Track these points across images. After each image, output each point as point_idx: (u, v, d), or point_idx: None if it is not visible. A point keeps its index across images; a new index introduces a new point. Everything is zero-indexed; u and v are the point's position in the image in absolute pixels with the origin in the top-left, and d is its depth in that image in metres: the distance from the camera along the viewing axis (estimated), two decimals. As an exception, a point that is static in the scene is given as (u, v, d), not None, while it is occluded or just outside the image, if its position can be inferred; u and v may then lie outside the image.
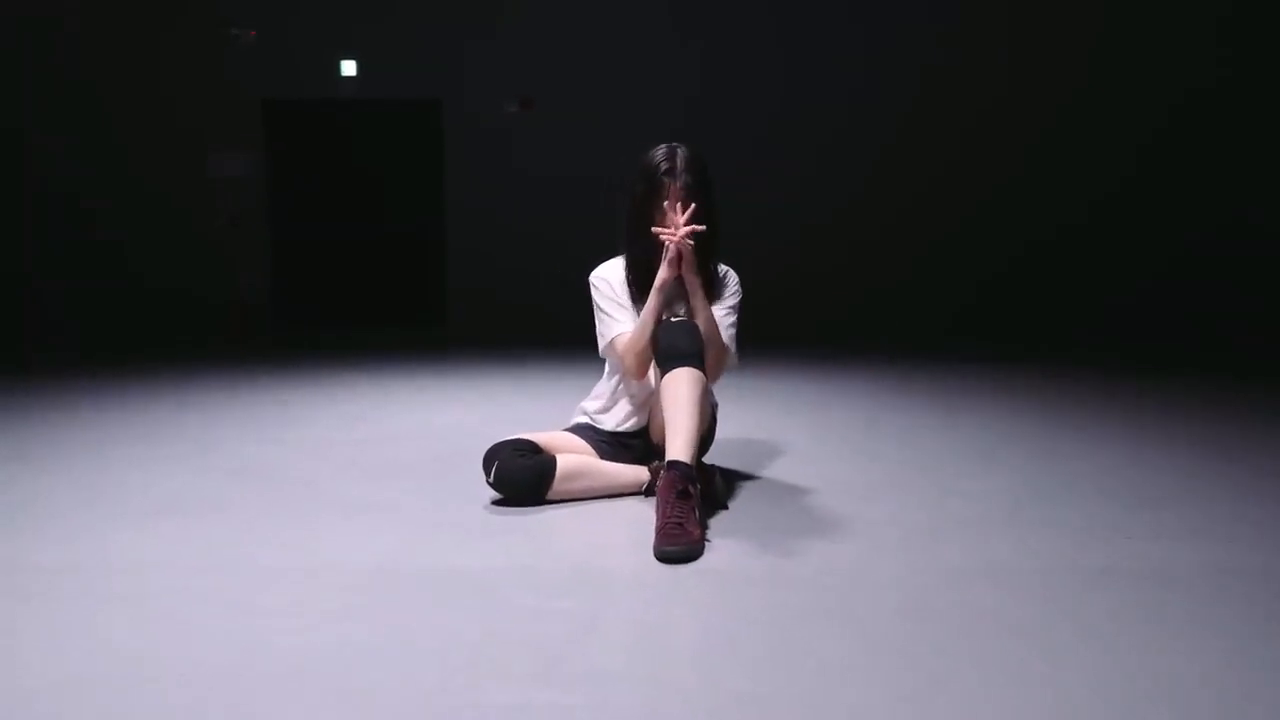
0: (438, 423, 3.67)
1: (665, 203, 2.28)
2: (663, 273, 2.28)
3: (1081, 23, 7.28)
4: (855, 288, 7.37)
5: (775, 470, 2.84)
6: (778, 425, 3.59)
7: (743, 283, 2.53)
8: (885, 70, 7.38)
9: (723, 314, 2.43)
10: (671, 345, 2.19)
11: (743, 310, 2.54)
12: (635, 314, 2.41)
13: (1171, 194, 7.31)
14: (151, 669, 1.46)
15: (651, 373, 2.38)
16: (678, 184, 2.29)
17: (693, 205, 2.24)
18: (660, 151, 2.36)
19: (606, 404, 2.56)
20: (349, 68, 7.34)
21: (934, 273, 7.41)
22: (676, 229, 2.24)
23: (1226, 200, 7.27)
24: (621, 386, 2.53)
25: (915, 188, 7.40)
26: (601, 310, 2.46)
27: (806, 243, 7.40)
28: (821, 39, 7.38)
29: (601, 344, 2.47)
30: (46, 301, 7.33)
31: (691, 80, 7.38)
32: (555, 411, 3.09)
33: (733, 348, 2.46)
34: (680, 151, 2.34)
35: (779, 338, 6.32)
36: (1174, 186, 7.31)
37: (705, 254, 2.37)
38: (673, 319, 2.30)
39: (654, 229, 2.27)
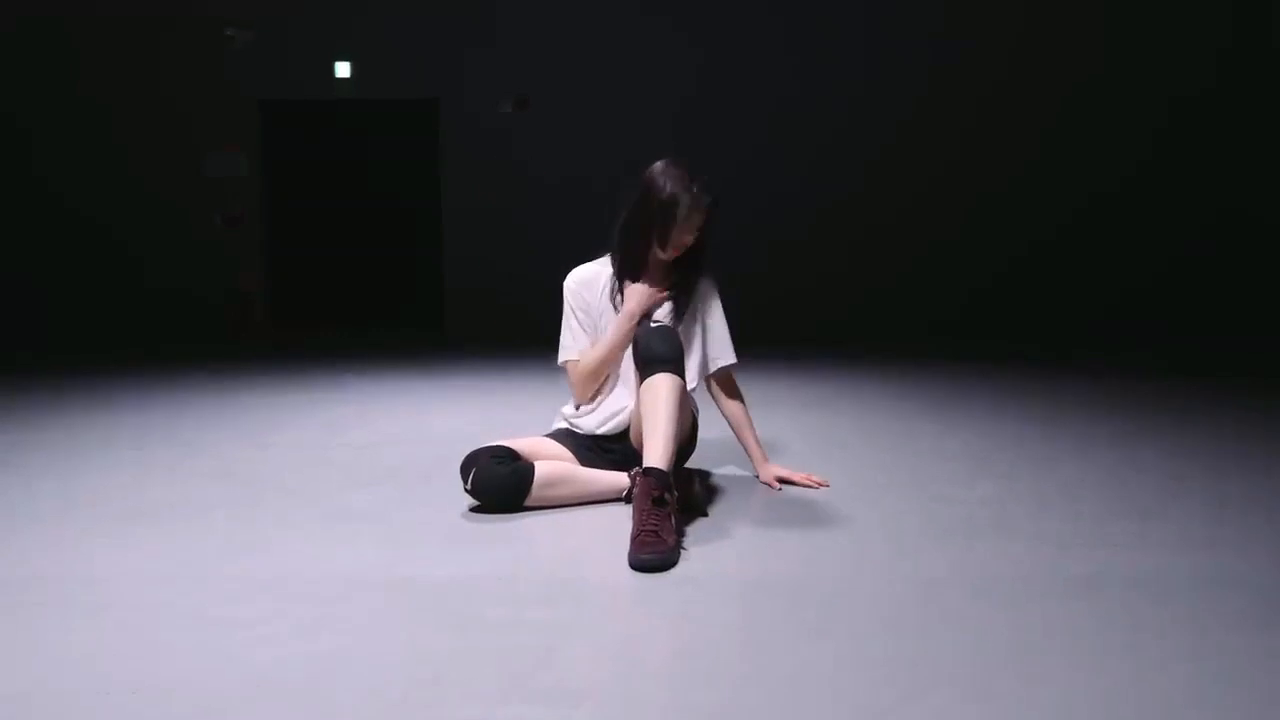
0: (429, 427, 3.65)
1: (688, 221, 2.33)
2: (629, 304, 2.39)
3: (1083, 22, 7.23)
4: (855, 288, 7.34)
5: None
6: (766, 427, 3.52)
7: (742, 283, 2.57)
8: (886, 70, 7.34)
9: (720, 335, 2.54)
10: (650, 351, 2.18)
11: (726, 307, 2.60)
12: (608, 323, 2.46)
13: (1170, 197, 7.26)
14: (109, 681, 1.44)
15: (632, 378, 2.37)
16: (705, 203, 2.34)
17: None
18: (679, 170, 2.36)
19: (584, 407, 2.55)
20: (343, 69, 7.32)
21: (935, 273, 7.37)
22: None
23: (1226, 202, 7.22)
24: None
25: (915, 187, 7.36)
26: (567, 322, 2.53)
27: (807, 242, 7.37)
28: (822, 37, 7.33)
29: (560, 357, 2.53)
30: (44, 301, 7.33)
31: (691, 80, 7.35)
32: (552, 415, 3.05)
33: (732, 356, 2.57)
34: (698, 176, 2.37)
35: (779, 337, 6.29)
36: (1172, 189, 7.26)
37: (694, 269, 2.48)
38: (652, 324, 2.28)
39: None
